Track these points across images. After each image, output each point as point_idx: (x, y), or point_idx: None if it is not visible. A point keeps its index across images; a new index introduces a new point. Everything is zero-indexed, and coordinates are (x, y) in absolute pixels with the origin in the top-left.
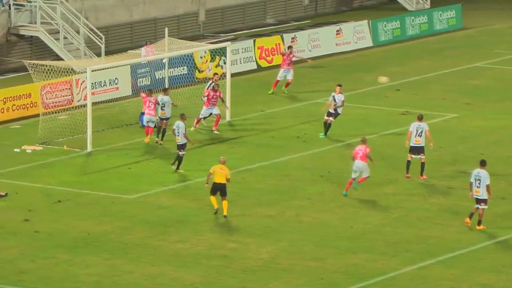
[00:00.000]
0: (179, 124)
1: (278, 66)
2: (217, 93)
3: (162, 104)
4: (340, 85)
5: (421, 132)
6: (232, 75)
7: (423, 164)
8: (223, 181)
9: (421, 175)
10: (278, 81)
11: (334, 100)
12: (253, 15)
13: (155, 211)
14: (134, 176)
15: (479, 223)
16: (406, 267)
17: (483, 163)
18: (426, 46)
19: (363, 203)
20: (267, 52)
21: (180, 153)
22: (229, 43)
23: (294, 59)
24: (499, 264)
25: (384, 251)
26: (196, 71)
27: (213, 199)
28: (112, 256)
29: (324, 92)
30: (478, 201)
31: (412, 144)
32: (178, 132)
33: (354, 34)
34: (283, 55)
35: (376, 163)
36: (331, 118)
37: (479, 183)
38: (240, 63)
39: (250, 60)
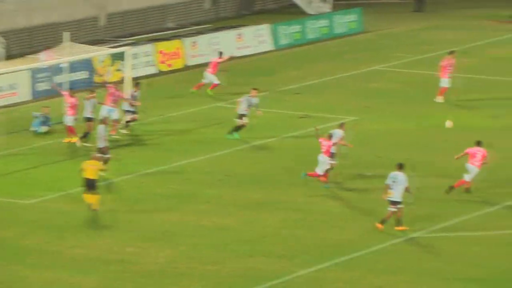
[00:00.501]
0: (100, 128)
1: (178, 71)
2: (119, 93)
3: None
4: (256, 89)
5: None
6: (133, 79)
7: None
8: (93, 176)
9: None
10: (204, 83)
11: (250, 103)
12: (153, 19)
13: (52, 216)
14: (31, 181)
15: (398, 223)
16: (303, 270)
17: (400, 166)
18: (327, 49)
19: (263, 206)
20: (167, 56)
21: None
22: (128, 47)
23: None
24: (395, 266)
25: (282, 254)
26: (96, 75)
27: (87, 196)
28: (8, 262)
29: (225, 96)
30: (393, 203)
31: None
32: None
33: (255, 38)
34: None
35: (275, 166)
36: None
37: (395, 186)
38: (141, 68)
39: (151, 64)
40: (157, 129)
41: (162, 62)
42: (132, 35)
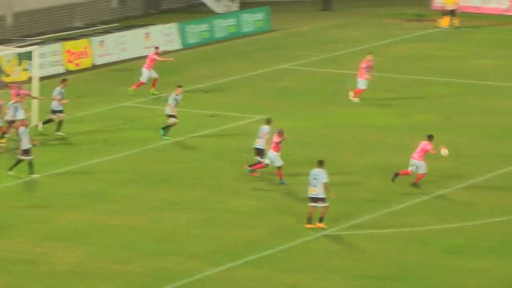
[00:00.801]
0: (22, 129)
1: (86, 70)
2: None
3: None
4: (180, 86)
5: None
6: (40, 79)
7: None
8: None
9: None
10: (142, 83)
11: (177, 101)
12: (61, 18)
13: None
14: None
15: (320, 220)
16: (213, 269)
17: (320, 163)
18: (234, 48)
19: (173, 205)
20: (74, 56)
21: (24, 157)
22: (35, 47)
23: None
24: (305, 264)
25: (192, 253)
26: (3, 75)
27: None
28: None
29: (132, 96)
30: (314, 199)
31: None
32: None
33: (163, 37)
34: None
35: (185, 166)
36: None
37: (316, 182)
38: (48, 67)
39: (58, 64)
40: (65, 129)
41: (70, 62)
42: (39, 34)
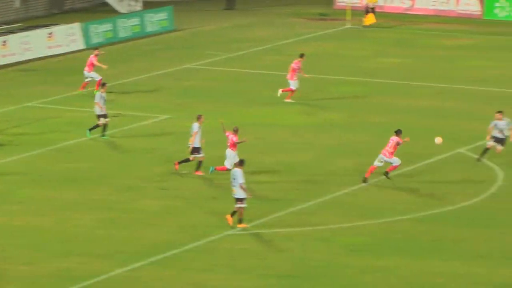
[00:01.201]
0: None
1: None
2: None
3: None
4: (105, 83)
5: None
6: None
7: (199, 162)
8: None
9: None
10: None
11: (103, 99)
12: None
13: None
14: None
15: (239, 221)
16: (119, 269)
17: (240, 163)
18: (138, 48)
19: (77, 205)
20: None
21: None
22: None
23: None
24: (211, 263)
25: (98, 253)
26: None
27: None
28: None
29: (36, 96)
30: (237, 200)
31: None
32: None
33: (66, 37)
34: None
35: (89, 166)
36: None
37: (235, 182)
38: None
39: None
40: None
41: None
42: None
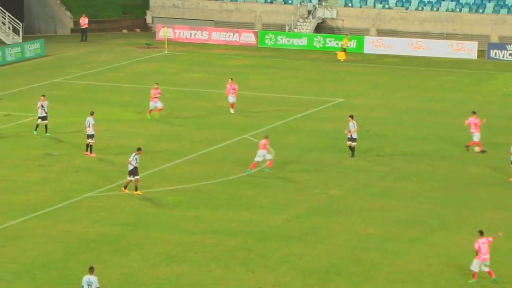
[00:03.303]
0: None
1: None
2: None
3: None
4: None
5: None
6: None
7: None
8: None
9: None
10: None
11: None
12: None
13: None
14: None
15: (136, 189)
16: (11, 221)
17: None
18: (21, 68)
19: None
20: None
21: None
22: None
23: None
24: (76, 217)
25: None
26: None
27: None
28: None
29: None
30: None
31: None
32: None
33: None
34: None
35: None
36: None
37: (134, 163)
38: None
39: None
40: None
41: None
42: None
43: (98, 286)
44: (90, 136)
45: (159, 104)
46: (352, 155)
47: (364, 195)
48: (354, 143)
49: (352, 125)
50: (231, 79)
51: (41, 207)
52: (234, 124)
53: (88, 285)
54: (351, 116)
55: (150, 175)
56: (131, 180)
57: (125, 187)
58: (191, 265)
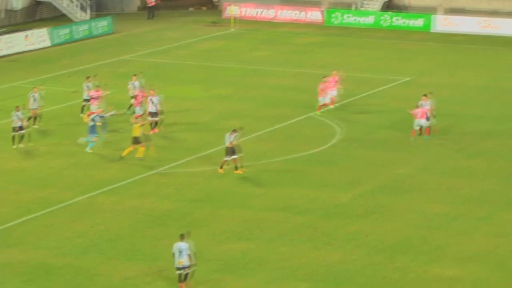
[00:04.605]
0: None
1: None
2: None
3: None
4: (135, 74)
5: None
6: None
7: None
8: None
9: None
10: None
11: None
12: None
13: None
14: None
15: (235, 168)
16: (80, 197)
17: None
18: (89, 46)
19: (49, 154)
20: None
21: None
22: None
23: None
24: (144, 192)
25: (64, 187)
26: None
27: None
28: None
29: (18, 77)
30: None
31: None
32: None
33: (38, 38)
34: None
35: (59, 127)
36: None
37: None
38: None
39: None
40: None
41: None
42: None
43: (189, 252)
44: (153, 114)
45: (334, 93)
46: (425, 134)
47: (432, 173)
48: (428, 122)
49: (427, 103)
50: (336, 71)
51: (109, 183)
52: (300, 102)
53: (180, 251)
54: (425, 95)
55: (216, 153)
56: (226, 160)
57: (221, 167)
58: (257, 242)
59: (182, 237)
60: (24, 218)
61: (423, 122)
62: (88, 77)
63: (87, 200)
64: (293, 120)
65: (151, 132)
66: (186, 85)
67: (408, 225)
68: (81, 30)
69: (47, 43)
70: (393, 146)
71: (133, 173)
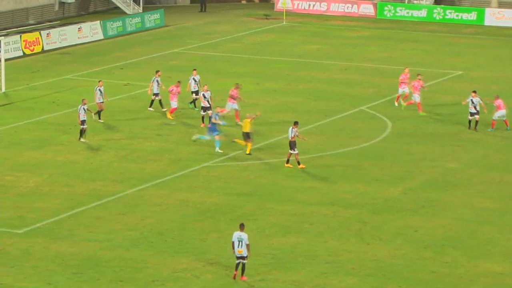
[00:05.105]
0: None
1: (38, 53)
2: None
3: None
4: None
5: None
6: (6, 60)
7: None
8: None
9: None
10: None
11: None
12: (19, 18)
13: None
14: None
15: (298, 163)
16: (129, 190)
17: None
18: (141, 38)
19: (100, 147)
20: (29, 44)
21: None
22: (1, 37)
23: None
24: (193, 186)
25: (114, 179)
26: None
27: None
28: None
29: (70, 70)
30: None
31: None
32: None
33: (91, 30)
34: None
35: (114, 119)
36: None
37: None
38: (11, 52)
39: (18, 50)
40: (25, 95)
41: (26, 48)
42: (4, 29)
43: (247, 243)
44: (206, 108)
45: (407, 90)
46: (474, 128)
47: (482, 168)
48: (477, 116)
49: (476, 100)
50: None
51: (158, 176)
52: (350, 96)
53: (239, 241)
54: (475, 92)
55: (267, 146)
56: (291, 154)
57: (287, 161)
58: (306, 236)
59: (242, 227)
60: (76, 211)
61: (503, 113)
62: (157, 71)
63: (137, 193)
64: (343, 114)
65: (202, 126)
66: (237, 79)
67: (457, 220)
68: (133, 23)
69: (100, 35)
70: (444, 140)
71: (182, 167)
